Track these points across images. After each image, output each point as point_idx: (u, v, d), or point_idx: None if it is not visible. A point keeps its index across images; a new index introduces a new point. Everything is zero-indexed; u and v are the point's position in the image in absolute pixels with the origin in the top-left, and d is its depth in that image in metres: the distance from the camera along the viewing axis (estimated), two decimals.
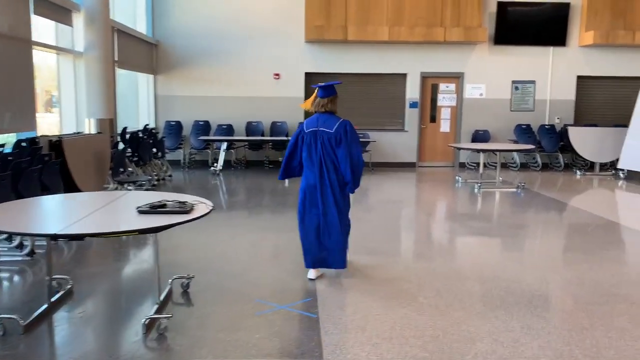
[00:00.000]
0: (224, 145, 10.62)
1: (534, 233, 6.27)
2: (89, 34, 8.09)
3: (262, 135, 11.57)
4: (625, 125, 11.96)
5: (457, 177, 10.04)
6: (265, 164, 11.63)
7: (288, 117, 11.72)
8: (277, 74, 11.68)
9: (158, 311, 3.64)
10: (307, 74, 11.81)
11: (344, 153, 4.26)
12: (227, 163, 11.20)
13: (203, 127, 11.47)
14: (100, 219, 3.55)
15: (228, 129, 11.46)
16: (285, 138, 10.95)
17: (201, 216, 3.51)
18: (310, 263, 4.44)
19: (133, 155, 8.64)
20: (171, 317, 3.56)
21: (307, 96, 11.82)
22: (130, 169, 8.18)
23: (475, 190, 9.04)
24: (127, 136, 8.98)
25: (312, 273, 4.43)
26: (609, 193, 9.07)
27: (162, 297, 3.83)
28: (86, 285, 4.28)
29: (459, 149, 9.58)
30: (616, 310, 3.80)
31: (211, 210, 3.65)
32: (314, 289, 4.18)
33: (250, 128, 11.64)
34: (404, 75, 12.02)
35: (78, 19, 8.23)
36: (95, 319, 3.73)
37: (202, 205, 3.73)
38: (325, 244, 4.39)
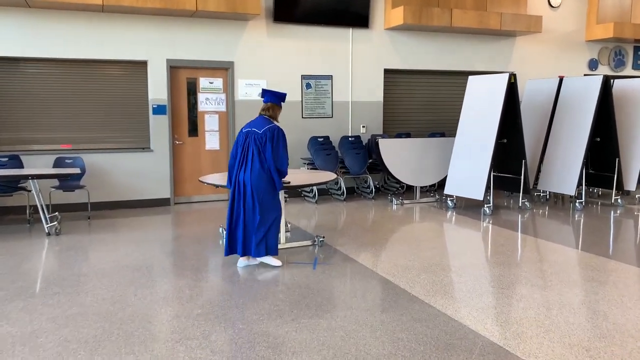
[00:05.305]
0: None
1: None
2: None
3: None
4: (444, 133, 9.32)
5: (220, 229, 6.12)
6: None
7: None
8: None
9: None
10: None
11: (270, 154, 4.67)
12: None
13: None
14: None
15: None
16: None
17: None
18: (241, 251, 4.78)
19: None
20: None
21: None
22: None
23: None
24: None
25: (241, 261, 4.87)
26: (437, 235, 5.98)
27: None
28: None
29: (217, 186, 5.68)
30: None
31: None
32: None
33: None
34: (143, 64, 7.73)
35: None
36: None
37: None
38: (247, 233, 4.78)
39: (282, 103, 4.98)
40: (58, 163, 7.15)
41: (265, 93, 4.92)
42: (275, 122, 4.86)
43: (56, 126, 7.44)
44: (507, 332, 3.44)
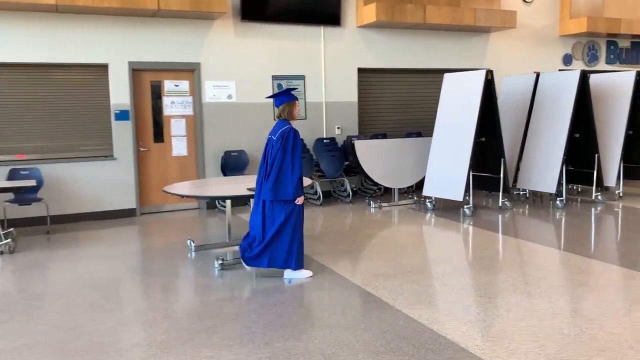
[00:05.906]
0: None
1: None
2: None
3: None
4: (420, 133, 9.11)
5: (189, 242, 5.75)
6: None
7: None
8: None
9: None
10: None
11: (278, 158, 4.40)
12: None
13: None
14: None
15: None
16: None
17: None
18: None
19: None
20: None
21: None
22: None
23: (216, 269, 4.89)
24: None
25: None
26: (417, 240, 5.72)
27: None
28: None
29: (182, 196, 5.33)
30: None
31: None
32: None
33: None
34: (103, 68, 7.30)
35: None
36: None
37: None
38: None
39: (293, 97, 4.62)
40: (12, 175, 6.67)
41: (274, 98, 4.70)
42: (291, 122, 4.61)
43: (9, 135, 6.95)
44: (500, 348, 3.17)
